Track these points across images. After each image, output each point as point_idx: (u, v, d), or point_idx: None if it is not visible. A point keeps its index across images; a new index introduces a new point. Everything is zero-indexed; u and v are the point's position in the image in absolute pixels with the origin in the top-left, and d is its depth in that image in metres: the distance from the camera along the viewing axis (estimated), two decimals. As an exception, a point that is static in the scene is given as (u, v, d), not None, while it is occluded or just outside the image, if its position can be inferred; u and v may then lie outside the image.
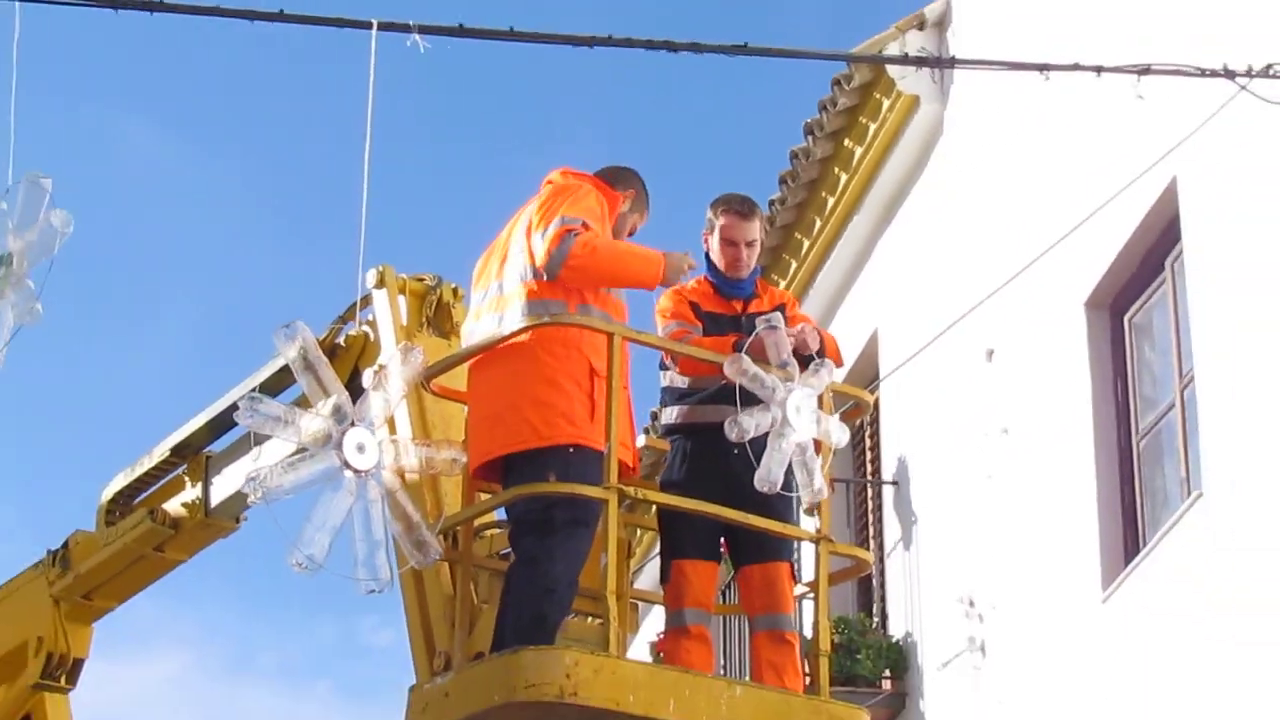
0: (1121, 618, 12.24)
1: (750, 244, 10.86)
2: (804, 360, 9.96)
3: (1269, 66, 10.20)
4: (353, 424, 9.70)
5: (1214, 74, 10.31)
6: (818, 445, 10.04)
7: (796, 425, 9.43)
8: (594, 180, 10.27)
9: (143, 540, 12.31)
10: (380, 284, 10.71)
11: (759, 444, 9.71)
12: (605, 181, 10.39)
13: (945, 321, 14.01)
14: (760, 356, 9.58)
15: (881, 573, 16.42)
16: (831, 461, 10.22)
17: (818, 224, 16.94)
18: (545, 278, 9.63)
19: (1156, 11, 12.48)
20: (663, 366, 10.79)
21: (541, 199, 10.03)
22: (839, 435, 10.25)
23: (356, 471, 8.95)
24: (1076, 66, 10.83)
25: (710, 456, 9.84)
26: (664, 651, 10.80)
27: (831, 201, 16.81)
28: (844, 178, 16.66)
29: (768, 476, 9.42)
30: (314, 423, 9.24)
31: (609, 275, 9.86)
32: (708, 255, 10.99)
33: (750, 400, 9.49)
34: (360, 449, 9.00)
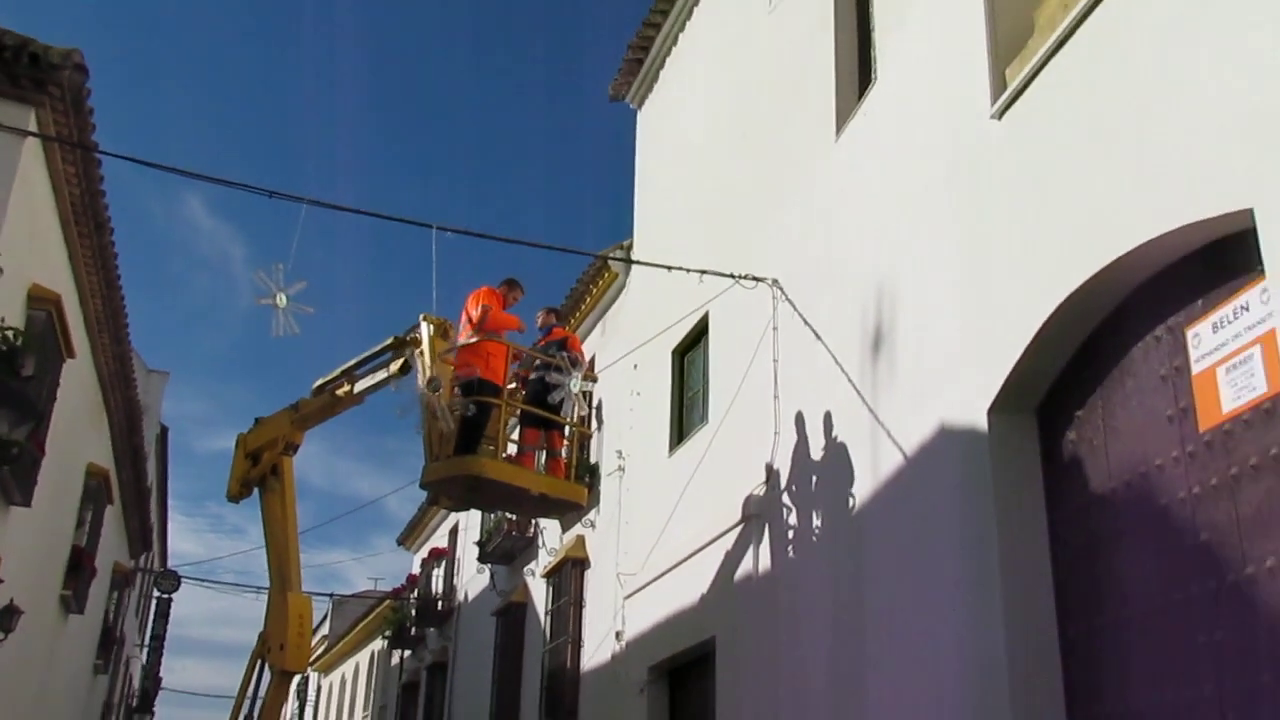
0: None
1: (547, 322, 11.41)
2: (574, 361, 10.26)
3: (746, 275, 10.23)
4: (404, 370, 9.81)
5: (726, 274, 10.36)
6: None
7: (573, 390, 9.62)
8: (496, 291, 10.60)
9: (327, 402, 12.20)
10: (425, 320, 10.77)
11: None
12: (505, 287, 10.66)
13: (623, 351, 13.83)
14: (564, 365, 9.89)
15: (591, 441, 15.60)
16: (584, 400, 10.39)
17: (579, 313, 16.73)
18: (476, 326, 9.92)
19: (709, 239, 11.91)
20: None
21: (474, 296, 10.37)
22: (592, 386, 10.55)
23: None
24: (681, 268, 10.77)
25: (542, 390, 9.98)
26: (517, 460, 10.86)
27: (587, 303, 16.57)
28: (588, 299, 16.42)
29: (566, 410, 9.70)
30: (386, 370, 9.34)
31: (500, 329, 10.08)
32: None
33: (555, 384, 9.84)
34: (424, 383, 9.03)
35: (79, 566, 16.04)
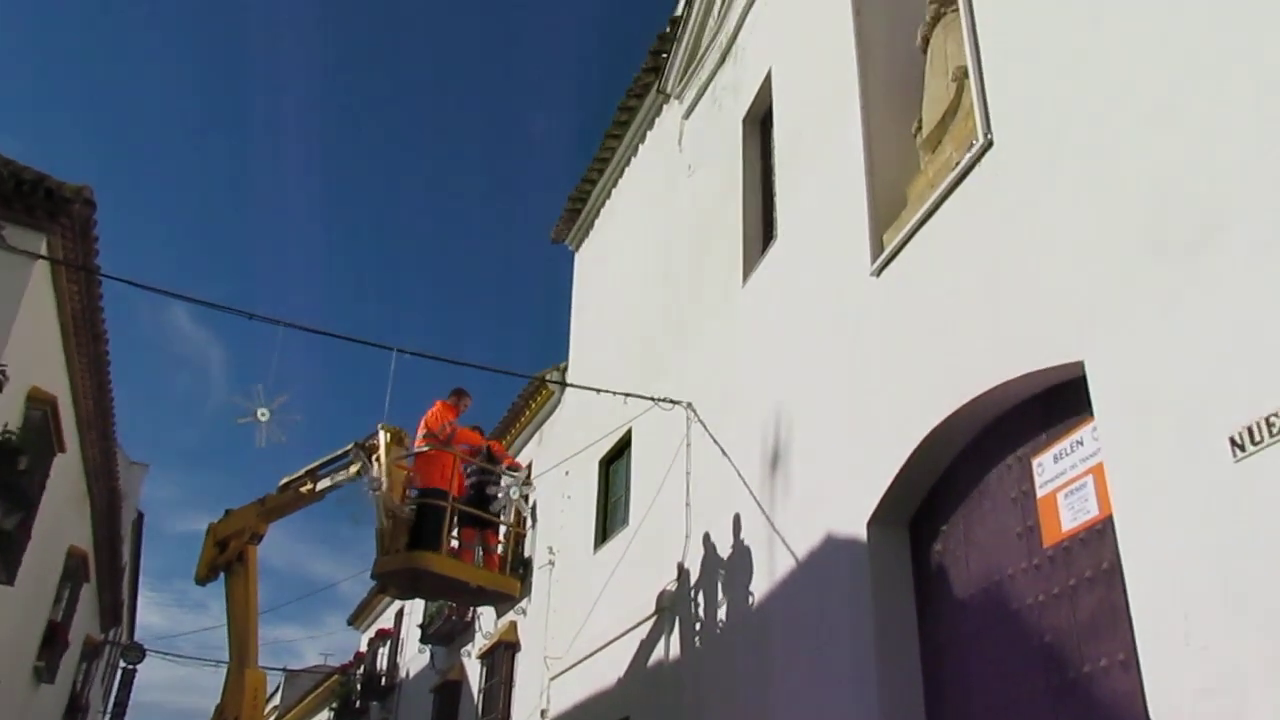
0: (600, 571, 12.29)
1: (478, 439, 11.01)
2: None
3: (664, 399, 10.30)
4: (360, 473, 9.67)
5: (646, 397, 10.45)
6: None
7: (512, 495, 9.51)
8: (449, 404, 10.42)
9: (291, 498, 11.94)
10: (382, 429, 10.63)
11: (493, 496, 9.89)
12: (454, 397, 10.58)
13: (557, 459, 13.80)
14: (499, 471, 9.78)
15: (525, 538, 15.34)
16: (524, 503, 10.29)
17: (518, 424, 16.73)
18: (444, 441, 9.78)
19: (633, 365, 12.09)
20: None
21: (433, 413, 10.21)
22: (529, 489, 10.42)
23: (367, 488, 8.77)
24: (608, 391, 10.92)
25: (481, 493, 9.86)
26: (458, 555, 10.61)
27: (526, 416, 16.57)
28: (528, 412, 16.44)
29: (502, 511, 9.55)
30: (345, 472, 9.15)
31: (460, 444, 9.98)
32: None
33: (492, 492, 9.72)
34: (369, 484, 8.87)
35: (54, 640, 15.42)
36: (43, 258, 8.86)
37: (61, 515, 13.71)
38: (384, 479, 10.05)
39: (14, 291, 8.65)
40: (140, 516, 27.46)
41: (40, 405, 9.87)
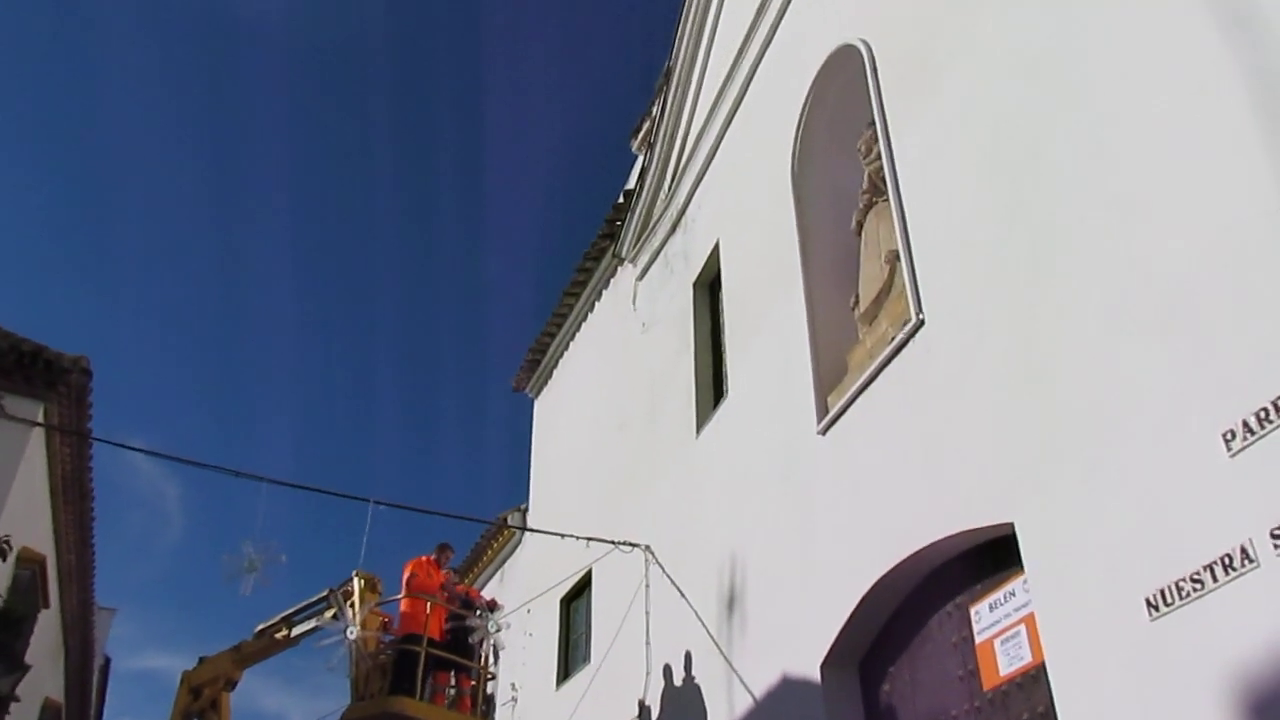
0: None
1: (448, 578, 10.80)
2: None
3: (624, 542, 10.26)
4: (335, 618, 9.56)
5: (606, 541, 10.36)
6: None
7: (490, 631, 9.42)
8: (431, 560, 10.35)
9: (266, 644, 11.69)
10: (357, 575, 10.51)
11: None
12: (437, 551, 10.51)
13: (519, 597, 13.55)
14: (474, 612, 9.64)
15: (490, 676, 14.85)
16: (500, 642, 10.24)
17: (481, 563, 16.49)
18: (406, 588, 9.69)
19: (593, 509, 11.98)
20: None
21: (412, 565, 10.13)
22: (502, 626, 10.31)
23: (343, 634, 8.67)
24: (570, 535, 10.75)
25: (464, 635, 9.73)
26: (431, 699, 10.36)
27: (488, 555, 16.30)
28: (490, 551, 16.18)
29: (478, 649, 9.43)
30: (320, 618, 9.04)
31: (424, 591, 9.88)
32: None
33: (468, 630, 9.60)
34: (345, 630, 8.75)
35: (22, 793, 14.67)
36: (41, 425, 8.87)
37: (41, 668, 13.26)
38: (358, 625, 9.91)
39: (12, 458, 8.64)
40: (108, 661, 26.41)
41: (29, 565, 9.71)
